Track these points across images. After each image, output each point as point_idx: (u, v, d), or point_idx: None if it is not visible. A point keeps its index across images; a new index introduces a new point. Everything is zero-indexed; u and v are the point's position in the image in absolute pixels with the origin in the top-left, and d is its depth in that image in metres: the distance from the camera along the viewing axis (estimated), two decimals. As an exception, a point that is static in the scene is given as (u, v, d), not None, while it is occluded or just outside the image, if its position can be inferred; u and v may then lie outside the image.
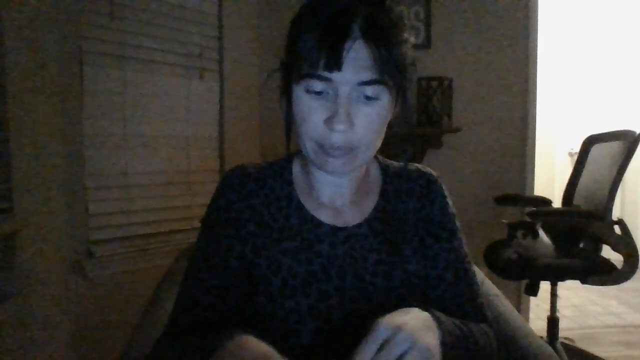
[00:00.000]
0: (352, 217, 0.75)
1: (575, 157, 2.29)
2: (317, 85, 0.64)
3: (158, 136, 2.06)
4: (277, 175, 0.78)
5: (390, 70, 0.63)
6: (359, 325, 0.68)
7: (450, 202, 0.80)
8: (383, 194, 0.78)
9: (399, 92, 0.68)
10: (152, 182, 2.06)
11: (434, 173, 0.81)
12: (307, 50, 0.62)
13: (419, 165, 0.82)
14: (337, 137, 0.64)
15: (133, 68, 1.96)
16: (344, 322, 0.70)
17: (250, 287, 0.72)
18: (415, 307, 0.62)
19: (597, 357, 2.20)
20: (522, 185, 2.65)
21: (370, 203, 0.77)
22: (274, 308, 0.69)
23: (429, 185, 0.79)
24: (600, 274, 1.93)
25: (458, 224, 0.80)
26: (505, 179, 2.63)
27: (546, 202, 2.23)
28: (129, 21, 1.94)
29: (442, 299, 0.75)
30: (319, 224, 0.74)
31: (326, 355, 0.69)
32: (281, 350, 0.68)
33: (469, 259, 0.80)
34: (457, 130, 2.50)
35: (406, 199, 0.78)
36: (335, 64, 0.61)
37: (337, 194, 0.76)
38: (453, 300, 0.76)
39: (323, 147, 0.66)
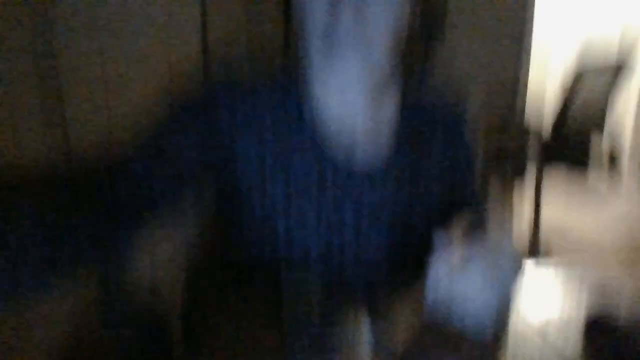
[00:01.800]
0: (368, 151, 0.66)
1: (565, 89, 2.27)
2: None
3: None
4: (282, 89, 0.64)
5: None
6: (373, 269, 0.68)
7: (471, 128, 0.73)
8: (400, 130, 0.69)
9: None
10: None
11: (457, 105, 0.73)
12: None
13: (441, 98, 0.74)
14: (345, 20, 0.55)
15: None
16: (358, 268, 0.67)
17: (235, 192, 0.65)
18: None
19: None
20: (512, 110, 2.61)
21: (386, 137, 0.67)
22: (278, 254, 0.65)
23: (451, 119, 0.72)
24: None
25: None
26: (495, 104, 2.59)
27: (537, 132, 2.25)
28: None
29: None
30: (333, 161, 0.64)
31: (340, 303, 0.68)
32: (290, 301, 0.68)
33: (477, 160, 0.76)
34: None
35: (427, 137, 0.71)
36: None
37: (347, 112, 0.64)
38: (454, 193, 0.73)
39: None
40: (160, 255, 0.79)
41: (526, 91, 2.67)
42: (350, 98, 0.62)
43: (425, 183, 0.70)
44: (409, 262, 0.70)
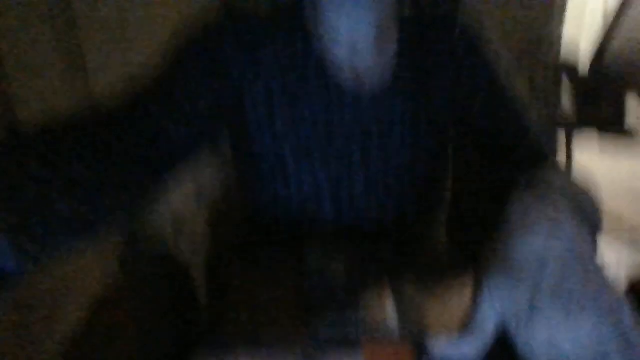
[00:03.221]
0: (374, 76, 0.65)
1: (608, 16, 2.11)
2: None
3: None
4: (289, 21, 0.64)
5: None
6: (384, 191, 0.68)
7: (476, 33, 0.68)
8: (402, 47, 0.67)
9: None
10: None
11: (451, 12, 0.69)
12: None
13: (436, 10, 0.69)
14: None
15: None
16: (368, 189, 0.67)
17: (248, 150, 0.67)
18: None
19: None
20: (549, 29, 2.47)
21: (390, 58, 0.66)
22: (287, 175, 0.66)
23: (447, 26, 0.67)
24: (618, 133, 1.90)
25: (495, 55, 0.69)
26: (530, 22, 2.45)
27: (573, 63, 2.12)
28: None
29: (487, 144, 0.68)
30: (340, 85, 0.65)
31: (350, 236, 0.69)
32: (301, 234, 0.69)
33: (514, 89, 0.69)
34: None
35: (426, 48, 0.67)
36: None
37: (358, 36, 0.62)
38: (500, 141, 0.67)
39: None
40: (182, 197, 0.80)
41: (564, 17, 2.51)
42: (359, 27, 0.62)
43: (436, 102, 0.68)
44: (421, 193, 0.70)
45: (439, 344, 0.40)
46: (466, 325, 0.36)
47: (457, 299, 0.56)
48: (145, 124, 0.55)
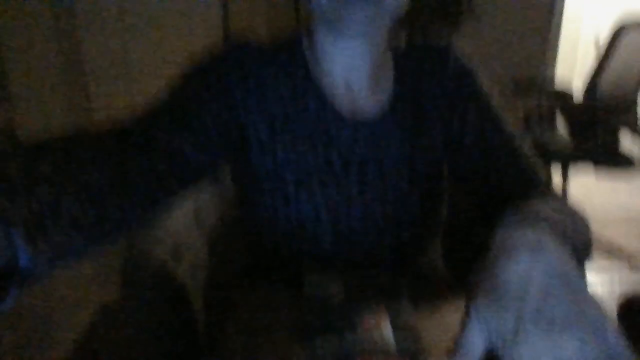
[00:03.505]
0: (371, 104, 0.69)
1: (600, 47, 2.16)
2: None
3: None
4: (288, 53, 0.68)
5: None
6: (381, 223, 0.69)
7: (467, 66, 0.72)
8: (398, 78, 0.71)
9: None
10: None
11: (444, 45, 0.73)
12: None
13: (429, 42, 0.74)
14: None
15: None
16: (365, 221, 0.68)
17: (250, 184, 0.69)
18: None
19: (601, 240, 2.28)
20: (542, 68, 2.53)
21: (387, 89, 0.70)
22: (289, 210, 0.66)
23: (441, 57, 0.72)
24: (615, 159, 1.91)
25: (484, 89, 0.72)
26: (523, 61, 2.51)
27: (567, 94, 2.16)
28: None
29: (479, 174, 0.70)
30: (338, 113, 0.67)
31: (347, 261, 0.69)
32: (299, 258, 0.68)
33: (504, 121, 0.71)
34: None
35: (420, 78, 0.71)
36: None
37: (353, 71, 0.67)
38: (492, 171, 0.69)
39: None
40: (182, 220, 0.80)
41: (556, 53, 2.57)
42: (354, 64, 0.67)
43: (431, 132, 0.70)
44: (418, 222, 0.71)
45: None
46: (457, 346, 0.38)
47: (451, 322, 0.56)
48: (159, 138, 0.55)
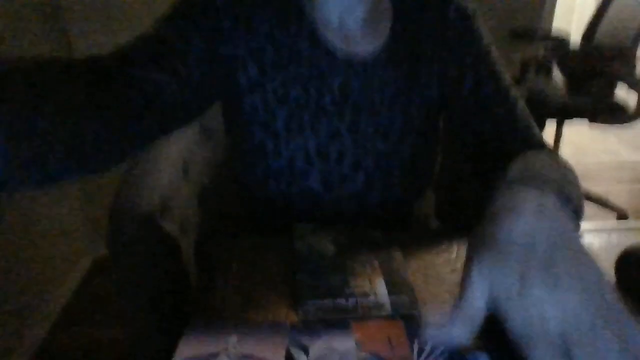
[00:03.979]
0: (366, 44, 0.67)
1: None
2: None
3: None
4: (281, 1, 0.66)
5: None
6: (373, 169, 0.68)
7: (469, 10, 0.69)
8: (396, 20, 0.68)
9: None
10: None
11: None
12: None
13: None
14: None
15: None
16: (356, 165, 0.68)
17: (240, 119, 0.67)
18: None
19: (589, 191, 2.30)
20: (539, 18, 2.46)
21: (383, 27, 0.68)
22: (279, 146, 0.66)
23: (442, 0, 0.69)
24: (610, 114, 1.91)
25: (485, 33, 0.69)
26: (521, 11, 2.44)
27: (564, 40, 2.11)
28: None
29: (474, 124, 0.68)
30: (332, 52, 0.65)
31: (337, 201, 0.69)
32: (288, 195, 0.69)
33: (502, 71, 0.69)
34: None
35: (420, 21, 0.69)
36: None
37: (348, 10, 0.65)
38: (487, 122, 0.68)
39: None
40: (170, 173, 0.78)
41: (555, 2, 2.50)
42: (351, 1, 0.65)
43: (427, 79, 0.68)
44: (409, 174, 0.70)
45: (431, 318, 0.40)
46: (457, 302, 0.37)
47: (448, 277, 0.56)
48: (134, 74, 0.51)
